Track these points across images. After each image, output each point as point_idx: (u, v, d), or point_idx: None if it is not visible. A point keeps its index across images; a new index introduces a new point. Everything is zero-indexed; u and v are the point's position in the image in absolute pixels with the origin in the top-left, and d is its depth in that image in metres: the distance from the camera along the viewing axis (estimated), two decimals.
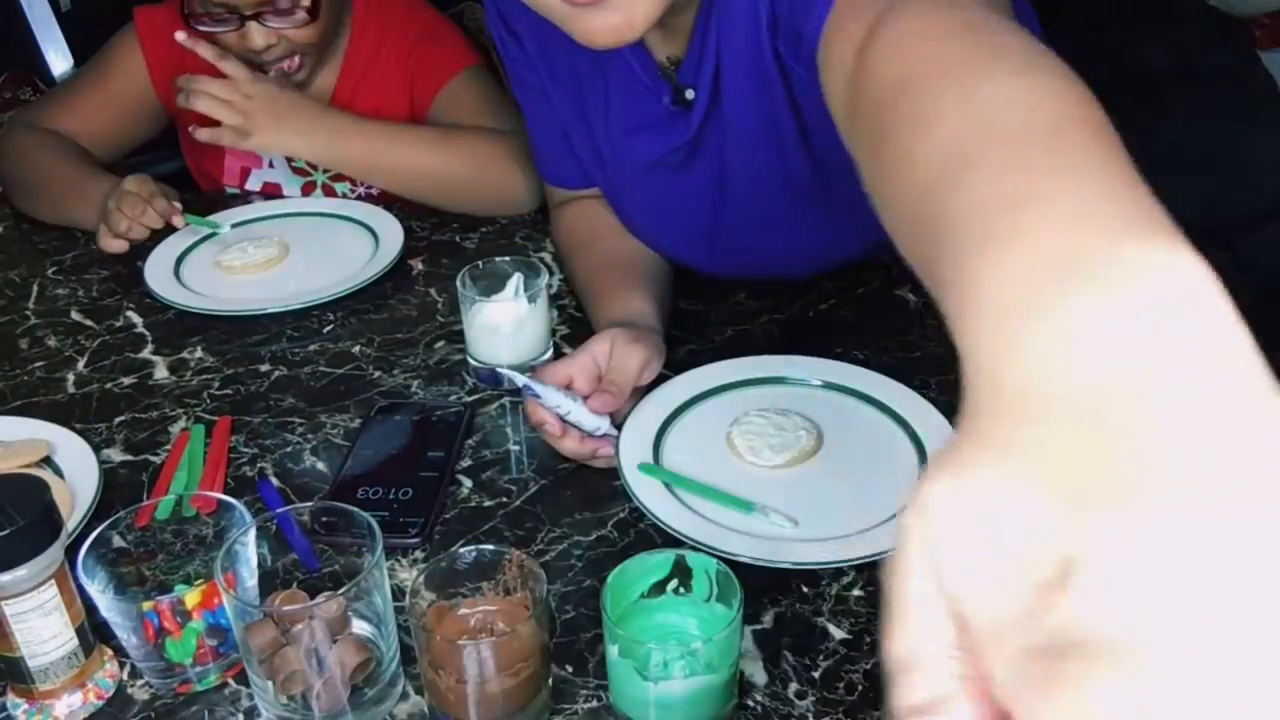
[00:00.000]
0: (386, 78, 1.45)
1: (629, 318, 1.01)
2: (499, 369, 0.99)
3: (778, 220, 1.09)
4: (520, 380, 0.91)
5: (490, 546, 0.73)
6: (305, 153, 1.33)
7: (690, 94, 1.03)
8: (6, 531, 0.66)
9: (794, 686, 0.74)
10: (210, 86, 1.26)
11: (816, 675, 0.75)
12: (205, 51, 1.27)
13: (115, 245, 1.30)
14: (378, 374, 1.08)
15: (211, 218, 1.35)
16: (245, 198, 1.49)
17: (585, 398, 0.92)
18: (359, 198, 1.48)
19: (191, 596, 0.72)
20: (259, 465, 0.96)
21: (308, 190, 1.51)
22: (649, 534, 0.87)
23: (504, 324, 1.03)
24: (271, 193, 1.51)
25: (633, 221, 1.16)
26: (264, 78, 1.31)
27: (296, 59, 1.37)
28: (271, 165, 1.50)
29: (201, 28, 1.32)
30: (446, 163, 1.34)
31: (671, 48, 1.03)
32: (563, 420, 0.91)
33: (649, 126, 1.08)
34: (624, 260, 1.13)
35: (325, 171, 1.49)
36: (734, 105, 1.00)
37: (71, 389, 1.08)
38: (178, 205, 1.32)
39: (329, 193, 1.51)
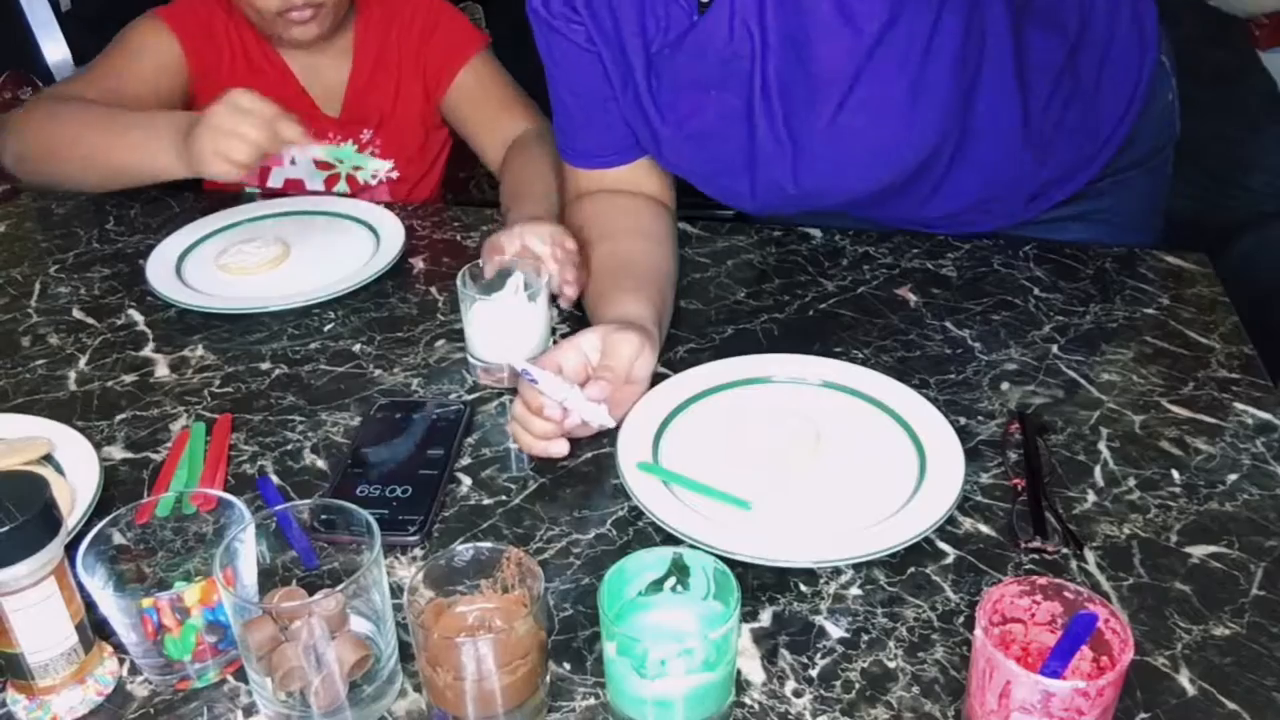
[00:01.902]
0: (402, 68, 1.46)
1: (624, 319, 1.01)
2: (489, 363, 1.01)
3: (810, 132, 1.08)
4: (519, 365, 0.91)
5: (488, 544, 0.73)
6: None
7: None
8: (6, 528, 0.66)
9: (791, 685, 0.74)
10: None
11: (814, 674, 0.75)
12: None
13: (234, 173, 1.16)
14: (378, 372, 1.09)
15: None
16: (250, 196, 1.49)
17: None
18: (381, 183, 1.51)
19: (191, 593, 0.72)
20: (259, 463, 0.97)
21: (332, 182, 1.51)
22: (647, 532, 0.87)
23: (504, 322, 1.03)
24: (292, 189, 1.51)
25: (681, 162, 1.16)
26: None
27: (309, 11, 1.37)
28: (294, 163, 1.50)
29: None
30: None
31: None
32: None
33: (681, 42, 1.07)
34: (627, 263, 1.13)
35: (357, 160, 1.50)
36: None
37: (73, 387, 1.08)
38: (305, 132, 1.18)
39: (352, 183, 1.52)
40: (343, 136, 1.49)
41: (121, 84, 1.38)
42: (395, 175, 1.51)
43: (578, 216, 1.21)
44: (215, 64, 1.43)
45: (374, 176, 1.51)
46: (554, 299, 1.14)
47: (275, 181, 1.52)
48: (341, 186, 1.52)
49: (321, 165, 1.50)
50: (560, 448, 0.93)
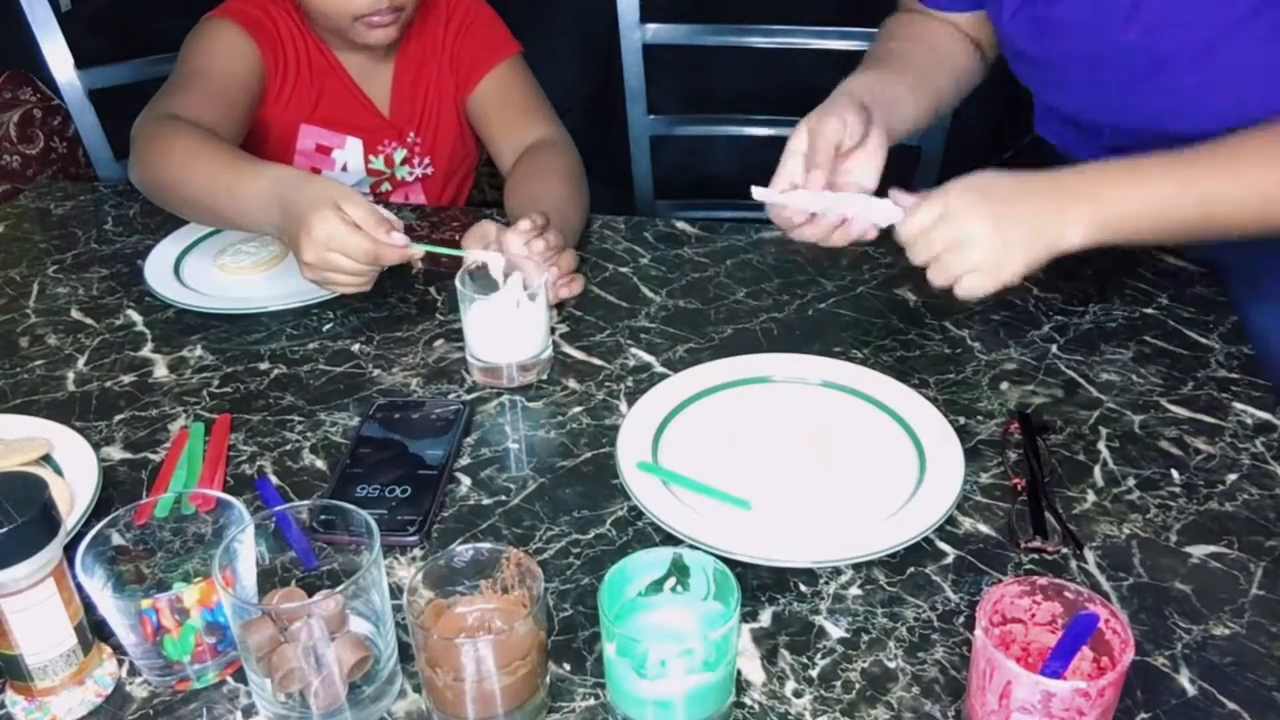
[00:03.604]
0: (441, 68, 1.47)
1: (839, 91, 1.04)
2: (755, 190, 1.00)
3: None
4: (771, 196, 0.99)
5: (488, 545, 0.73)
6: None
7: None
8: (5, 529, 0.66)
9: (791, 685, 0.74)
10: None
11: (814, 674, 0.75)
12: None
13: (353, 287, 1.10)
14: (377, 372, 1.09)
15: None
16: None
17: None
18: (417, 179, 1.52)
19: (190, 594, 0.72)
20: (258, 463, 0.96)
21: (377, 188, 1.51)
22: (647, 532, 0.87)
23: (503, 322, 1.03)
24: None
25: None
26: None
27: (390, 15, 1.33)
28: (345, 169, 1.48)
29: None
30: (584, 195, 1.35)
31: None
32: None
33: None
34: (886, 57, 1.17)
35: (405, 165, 1.50)
36: None
37: (71, 387, 1.08)
38: (397, 226, 1.08)
39: (395, 184, 1.52)
40: (396, 141, 1.48)
41: (223, 89, 1.32)
42: (430, 171, 1.52)
43: (892, 20, 1.27)
44: (282, 63, 1.41)
45: (411, 173, 1.52)
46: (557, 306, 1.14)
47: None
48: (384, 188, 1.53)
49: (372, 172, 1.50)
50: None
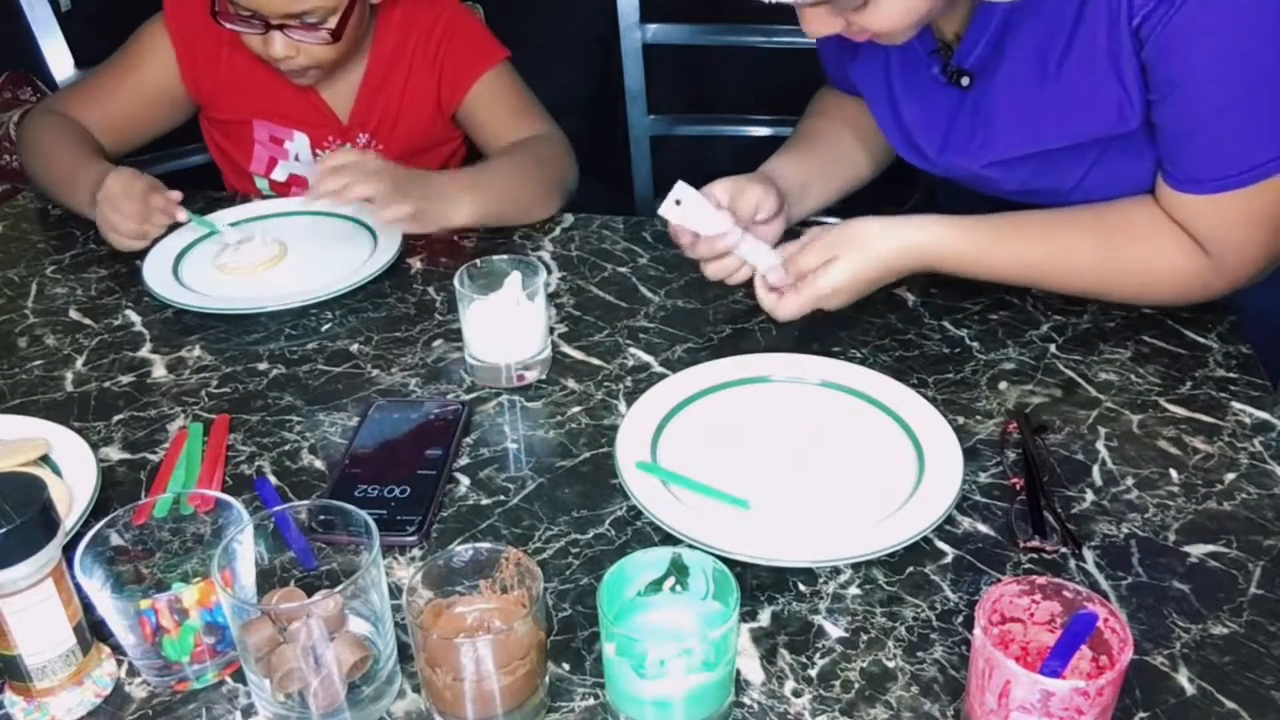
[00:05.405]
0: (414, 74, 1.47)
1: (763, 171, 1.18)
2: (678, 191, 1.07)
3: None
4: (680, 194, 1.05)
5: (487, 544, 0.73)
6: (463, 217, 1.32)
7: (965, 81, 1.07)
8: (4, 530, 0.66)
9: (790, 684, 0.74)
10: (350, 163, 1.25)
11: (813, 673, 0.75)
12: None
13: (127, 244, 1.29)
14: (375, 372, 1.09)
15: (210, 218, 1.34)
16: (246, 197, 1.49)
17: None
18: None
19: (189, 594, 0.72)
20: (257, 463, 0.97)
21: None
22: (646, 532, 0.87)
23: (502, 322, 1.03)
24: (295, 183, 1.52)
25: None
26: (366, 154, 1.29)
27: (310, 72, 1.39)
28: (298, 159, 1.51)
29: (227, 25, 1.33)
30: (549, 176, 1.39)
31: (956, 25, 1.06)
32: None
33: (920, 96, 1.13)
34: (809, 136, 1.27)
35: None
36: (1011, 88, 1.04)
37: (70, 387, 1.08)
38: (175, 196, 1.30)
39: None
40: (341, 139, 1.49)
41: (117, 99, 1.44)
42: None
43: (820, 93, 1.35)
44: (213, 66, 1.43)
45: None
46: (551, 298, 1.14)
47: (279, 175, 1.52)
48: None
49: None
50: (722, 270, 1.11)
